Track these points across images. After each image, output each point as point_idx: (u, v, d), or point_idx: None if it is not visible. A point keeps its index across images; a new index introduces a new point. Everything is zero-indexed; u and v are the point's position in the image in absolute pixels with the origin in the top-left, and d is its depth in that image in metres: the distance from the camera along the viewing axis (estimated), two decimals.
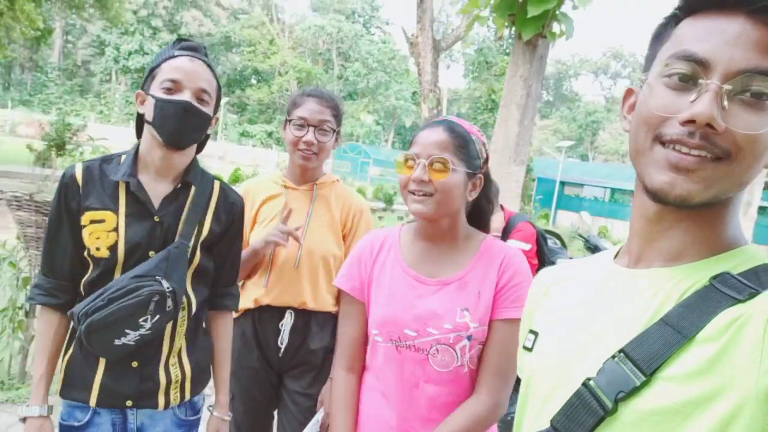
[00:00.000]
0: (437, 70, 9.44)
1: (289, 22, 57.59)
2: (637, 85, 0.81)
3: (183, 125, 1.51)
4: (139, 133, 1.63)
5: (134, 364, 1.56)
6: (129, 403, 1.56)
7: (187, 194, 1.61)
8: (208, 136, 1.67)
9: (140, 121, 1.60)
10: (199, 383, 1.68)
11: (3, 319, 3.39)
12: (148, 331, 1.49)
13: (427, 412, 1.38)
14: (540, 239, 3.68)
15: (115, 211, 1.53)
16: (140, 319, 1.47)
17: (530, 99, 5.14)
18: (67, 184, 1.55)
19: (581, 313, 0.83)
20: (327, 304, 2.06)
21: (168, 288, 1.49)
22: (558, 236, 3.92)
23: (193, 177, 1.62)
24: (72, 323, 1.55)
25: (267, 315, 2.04)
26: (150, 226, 1.55)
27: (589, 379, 0.72)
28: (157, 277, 1.49)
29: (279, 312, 2.03)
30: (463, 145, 1.40)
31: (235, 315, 1.98)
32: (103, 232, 1.52)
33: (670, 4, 0.79)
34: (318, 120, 1.97)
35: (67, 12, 21.16)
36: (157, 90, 1.50)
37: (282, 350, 2.03)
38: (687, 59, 0.70)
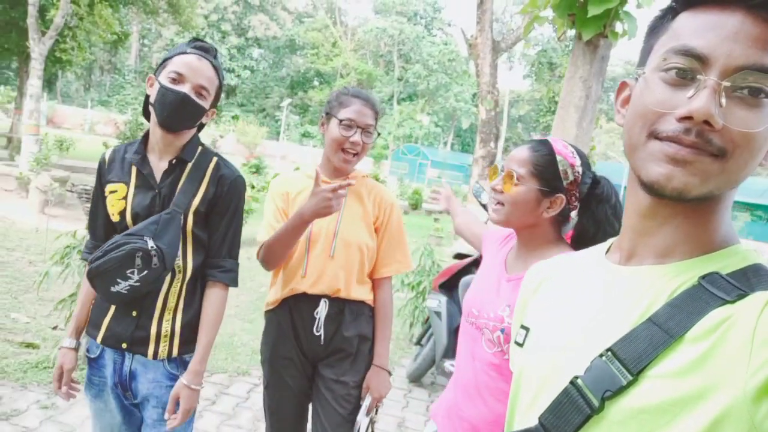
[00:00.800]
0: (496, 71, 9.32)
1: (352, 24, 58.38)
2: (633, 79, 0.79)
3: (177, 113, 1.73)
4: (146, 114, 1.87)
5: (134, 313, 1.80)
6: (124, 345, 1.80)
7: (184, 168, 1.83)
8: (203, 124, 1.89)
9: (146, 107, 1.85)
10: (186, 343, 1.83)
11: (72, 304, 3.62)
12: (137, 283, 1.71)
13: (473, 383, 1.58)
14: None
15: (127, 183, 1.81)
16: (127, 271, 1.69)
17: (589, 101, 5.00)
18: (100, 164, 1.88)
19: (571, 310, 0.82)
20: (360, 293, 2.11)
21: (152, 246, 1.70)
22: None
23: (187, 154, 1.83)
24: None
25: (303, 304, 2.08)
26: (152, 195, 1.80)
27: (576, 377, 0.72)
28: (145, 237, 1.71)
29: (314, 300, 2.07)
30: (542, 164, 1.52)
31: (271, 306, 2.15)
32: (116, 200, 1.80)
33: None
34: (365, 123, 2.03)
35: (142, 17, 22.30)
36: (164, 78, 1.72)
37: (321, 338, 2.07)
38: (685, 54, 0.69)
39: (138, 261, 1.69)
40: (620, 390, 0.67)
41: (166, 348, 1.81)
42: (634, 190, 0.78)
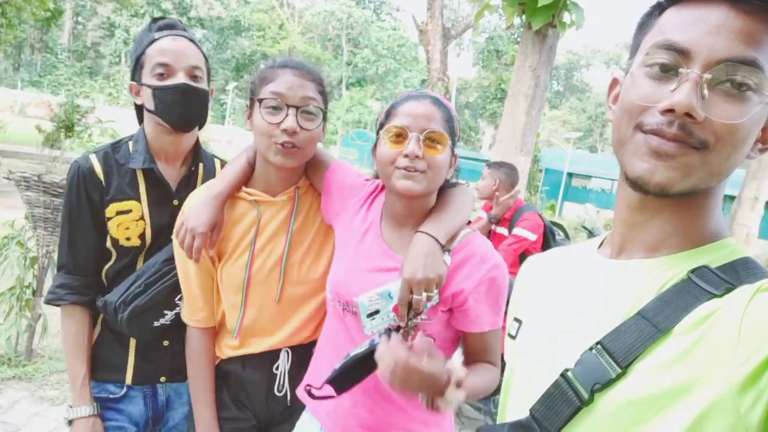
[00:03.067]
0: (446, 58, 9.39)
1: (299, 6, 57.21)
2: (622, 75, 0.81)
3: (186, 108, 1.52)
4: (140, 119, 1.65)
5: (165, 342, 1.64)
6: (163, 378, 1.67)
7: (197, 174, 1.66)
8: (208, 109, 1.62)
9: (140, 109, 1.61)
10: None
11: (11, 297, 3.44)
12: (178, 309, 1.58)
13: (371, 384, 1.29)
14: (548, 232, 3.68)
15: (138, 199, 1.57)
16: (176, 299, 1.56)
17: (538, 89, 5.12)
18: (85, 175, 1.53)
19: (563, 303, 0.84)
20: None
21: None
22: (562, 227, 3.92)
23: (201, 156, 1.67)
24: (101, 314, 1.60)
25: (254, 361, 1.57)
26: (171, 210, 1.60)
27: (567, 369, 0.73)
28: None
29: (269, 355, 1.56)
30: (448, 120, 1.34)
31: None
32: (131, 222, 1.55)
33: None
34: (300, 97, 1.40)
35: None
36: (149, 78, 1.51)
37: (288, 397, 1.57)
38: (668, 48, 0.70)
39: None
40: (609, 382, 0.68)
41: None
42: (623, 185, 0.79)
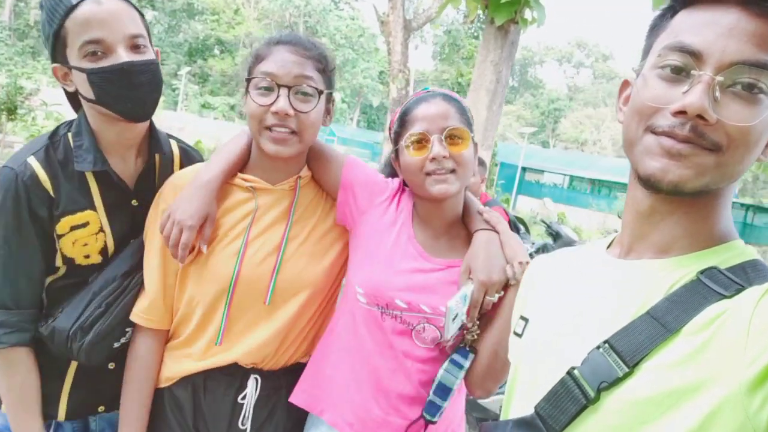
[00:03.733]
0: (407, 50, 9.40)
1: None
2: (633, 77, 0.82)
3: (138, 92, 1.23)
4: (75, 107, 1.35)
5: (111, 365, 1.38)
6: (101, 408, 1.41)
7: (154, 165, 1.41)
8: (162, 82, 1.35)
9: (74, 96, 1.31)
10: None
11: None
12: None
13: (405, 386, 1.32)
14: (512, 228, 3.74)
15: (93, 207, 1.30)
16: None
17: (500, 84, 5.19)
18: (27, 186, 1.21)
19: (571, 302, 0.84)
20: (303, 351, 1.46)
21: None
22: (522, 221, 4.00)
23: (159, 143, 1.40)
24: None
25: (217, 383, 1.36)
26: (131, 213, 1.37)
27: (573, 368, 0.74)
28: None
29: (237, 377, 1.36)
30: (463, 113, 1.33)
31: (160, 384, 1.39)
32: (90, 236, 1.29)
33: None
34: (294, 76, 1.26)
35: None
36: (79, 59, 1.19)
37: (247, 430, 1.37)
38: (680, 50, 0.71)
39: None
40: (616, 381, 0.68)
41: None
42: (633, 186, 0.80)
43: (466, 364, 1.28)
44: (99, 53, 1.19)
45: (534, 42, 69.89)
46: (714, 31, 0.69)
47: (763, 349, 0.59)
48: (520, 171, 25.58)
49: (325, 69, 1.35)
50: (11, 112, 12.47)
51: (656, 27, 0.80)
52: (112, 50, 1.19)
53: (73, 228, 1.27)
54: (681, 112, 0.69)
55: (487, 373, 1.27)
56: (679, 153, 0.70)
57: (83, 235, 1.28)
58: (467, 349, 1.30)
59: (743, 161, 0.71)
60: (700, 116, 0.68)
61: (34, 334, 1.30)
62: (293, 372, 1.43)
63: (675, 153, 0.70)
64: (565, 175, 30.67)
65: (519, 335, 0.92)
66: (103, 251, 1.32)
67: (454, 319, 1.24)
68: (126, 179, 1.35)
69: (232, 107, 46.18)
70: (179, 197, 1.31)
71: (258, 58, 1.31)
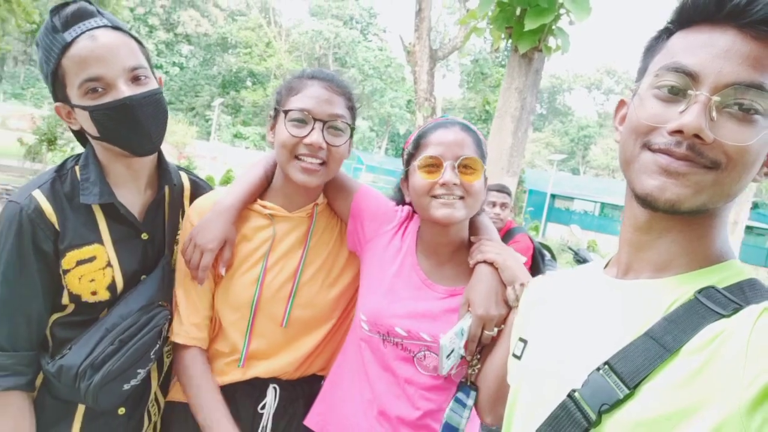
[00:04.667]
0: (433, 78, 9.51)
1: (287, 25, 57.63)
2: (629, 97, 0.82)
3: (142, 126, 1.19)
4: (82, 141, 1.34)
5: (121, 411, 1.31)
6: None
7: (164, 197, 1.38)
8: (167, 110, 1.33)
9: (79, 132, 1.30)
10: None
11: None
12: (150, 365, 1.30)
13: (407, 411, 1.32)
14: (537, 255, 3.68)
15: (100, 241, 1.25)
16: (152, 353, 1.28)
17: (524, 111, 5.19)
18: (32, 220, 1.17)
19: (569, 324, 0.83)
20: (324, 362, 1.52)
21: (168, 312, 1.33)
22: (549, 249, 3.94)
23: (169, 174, 1.37)
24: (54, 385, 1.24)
25: (238, 394, 1.42)
26: (141, 246, 1.32)
27: (574, 390, 0.73)
28: (161, 304, 1.30)
29: (257, 388, 1.42)
30: (479, 144, 1.35)
31: (180, 398, 1.42)
32: (97, 271, 1.23)
33: (664, 23, 0.81)
34: (328, 113, 1.33)
35: None
36: (80, 97, 1.16)
37: None
38: (677, 71, 0.71)
39: (162, 336, 1.30)
40: (617, 403, 0.67)
41: (152, 429, 1.42)
42: (630, 204, 0.80)
43: (469, 402, 1.27)
44: (99, 90, 1.15)
45: (562, 70, 69.94)
46: (710, 53, 0.69)
47: (762, 370, 0.59)
48: (549, 198, 25.33)
49: (353, 106, 1.42)
50: (51, 142, 13.01)
51: (652, 48, 0.80)
52: (113, 85, 1.16)
53: (79, 263, 1.21)
54: (678, 132, 0.69)
55: (495, 400, 1.24)
56: (677, 171, 0.70)
57: (90, 270, 1.22)
58: (469, 386, 1.29)
59: (740, 180, 0.71)
60: (696, 136, 0.68)
61: (31, 378, 1.23)
62: (310, 382, 1.49)
63: (672, 171, 0.70)
64: (595, 202, 30.26)
65: (518, 357, 0.91)
66: (111, 287, 1.25)
67: (448, 355, 1.23)
68: (135, 212, 1.31)
69: (263, 137, 47.17)
70: (201, 222, 1.35)
71: (292, 91, 1.37)
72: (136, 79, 1.19)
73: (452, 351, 1.23)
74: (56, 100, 1.22)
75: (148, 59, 1.27)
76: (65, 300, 1.24)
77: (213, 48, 52.48)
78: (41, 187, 1.21)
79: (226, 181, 17.06)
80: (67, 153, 12.93)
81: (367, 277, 1.42)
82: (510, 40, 5.10)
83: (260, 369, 1.41)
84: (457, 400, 1.27)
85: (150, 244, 1.34)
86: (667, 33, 0.78)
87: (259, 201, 1.44)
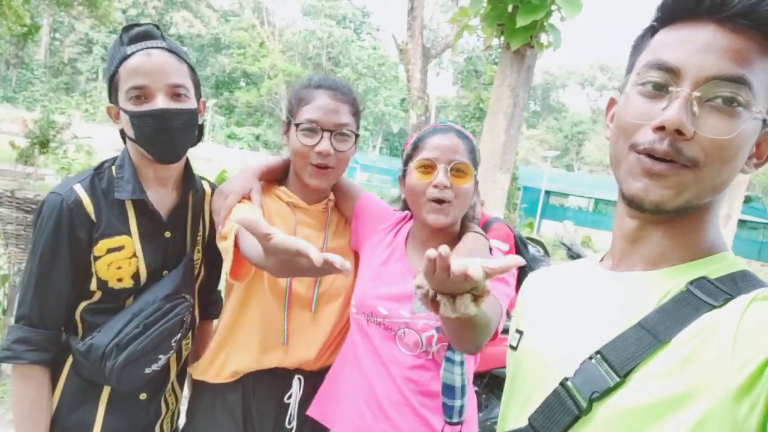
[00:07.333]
0: (426, 77, 9.51)
1: (280, 25, 57.54)
2: (619, 95, 0.83)
3: (168, 136, 1.33)
4: (124, 140, 1.46)
5: (142, 396, 1.42)
6: None
7: (188, 204, 1.50)
8: (202, 127, 1.48)
9: (122, 133, 1.44)
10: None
11: None
12: (171, 353, 1.41)
13: (391, 389, 1.37)
14: (519, 243, 3.70)
15: (129, 233, 1.37)
16: (173, 341, 1.39)
17: (517, 108, 5.19)
18: (71, 210, 1.30)
19: (564, 314, 0.85)
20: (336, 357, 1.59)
21: (192, 305, 1.44)
22: (541, 244, 3.96)
23: (193, 181, 1.50)
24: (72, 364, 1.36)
25: (267, 383, 1.50)
26: (163, 243, 1.43)
27: (566, 379, 0.74)
28: (186, 296, 1.41)
29: (284, 378, 1.51)
30: (471, 151, 1.44)
31: (215, 379, 1.50)
32: (124, 260, 1.35)
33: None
34: (335, 123, 1.46)
35: (55, 9, 20.94)
36: (126, 101, 1.32)
37: (293, 430, 1.51)
38: (659, 68, 0.72)
39: (184, 326, 1.41)
40: (607, 391, 0.68)
41: (169, 425, 1.52)
42: (621, 200, 0.81)
43: (456, 357, 1.34)
44: (141, 98, 1.30)
45: (555, 66, 70.18)
46: (691, 48, 0.70)
47: (750, 357, 0.60)
48: (543, 195, 25.39)
49: (357, 111, 1.55)
50: (43, 145, 12.95)
51: (638, 46, 0.82)
52: (153, 96, 1.31)
53: (109, 251, 1.34)
54: (660, 128, 0.70)
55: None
56: (658, 174, 0.71)
57: (118, 258, 1.34)
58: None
59: (722, 174, 0.71)
60: (678, 131, 0.69)
61: (53, 356, 1.34)
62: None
63: (654, 173, 0.72)
64: (590, 198, 30.36)
65: (514, 348, 0.92)
66: (135, 276, 1.37)
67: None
68: (161, 210, 1.42)
69: (257, 137, 47.13)
70: (227, 180, 1.50)
71: (302, 102, 1.50)
72: (176, 96, 1.33)
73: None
74: (110, 101, 1.39)
75: (197, 86, 1.43)
76: (93, 286, 1.36)
77: (206, 49, 52.35)
78: (81, 182, 1.36)
79: (221, 181, 16.98)
80: (60, 156, 12.87)
81: (360, 268, 1.54)
82: (502, 37, 5.10)
83: (295, 353, 1.48)
84: (447, 359, 1.36)
85: (172, 242, 1.44)
86: (651, 31, 0.79)
87: (281, 187, 1.58)
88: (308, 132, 1.45)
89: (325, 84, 1.51)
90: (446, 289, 0.75)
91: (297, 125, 1.47)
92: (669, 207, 0.72)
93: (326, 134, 1.45)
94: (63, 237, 1.31)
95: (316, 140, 1.45)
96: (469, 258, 1.21)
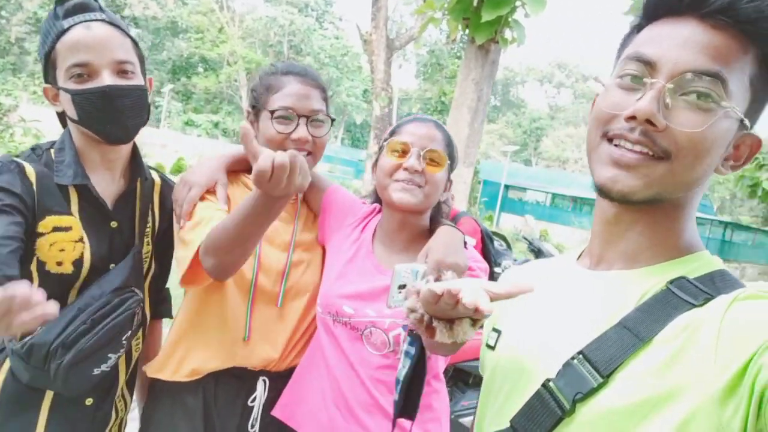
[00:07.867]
0: (390, 68, 9.48)
1: (240, 11, 56.29)
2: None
3: (118, 116, 1.23)
4: (63, 123, 1.36)
5: (88, 401, 1.30)
6: None
7: (135, 189, 1.40)
8: (149, 108, 1.36)
9: (62, 115, 1.33)
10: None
11: None
12: (121, 352, 1.30)
13: (359, 391, 1.34)
14: (485, 238, 3.74)
15: (73, 215, 1.26)
16: (123, 338, 1.28)
17: (481, 102, 5.23)
18: (16, 174, 1.17)
19: (544, 314, 0.84)
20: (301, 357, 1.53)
21: (142, 300, 1.33)
22: (503, 238, 4.00)
23: (141, 168, 1.40)
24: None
25: (229, 387, 1.42)
26: (109, 234, 1.33)
27: (549, 380, 0.73)
28: (135, 290, 1.30)
29: (248, 380, 1.43)
30: (449, 145, 1.44)
31: (175, 377, 1.40)
32: (69, 242, 1.23)
33: (615, 18, 0.83)
34: (310, 109, 1.42)
35: None
36: (66, 80, 1.21)
37: None
38: (637, 60, 0.73)
39: (135, 322, 1.30)
40: (591, 392, 0.68)
41: (117, 427, 1.42)
42: (599, 197, 0.81)
43: (413, 350, 1.23)
44: (84, 76, 1.21)
45: (516, 63, 71.08)
46: (670, 43, 0.72)
47: (733, 357, 0.60)
48: (503, 189, 25.78)
49: (326, 97, 1.52)
50: None
51: (624, 44, 0.83)
52: (97, 74, 1.22)
53: (56, 228, 1.22)
54: (632, 117, 0.71)
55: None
56: (628, 164, 0.72)
57: (63, 240, 1.22)
58: (411, 336, 1.24)
59: (693, 169, 0.72)
60: (649, 121, 0.69)
61: None
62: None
63: (624, 164, 0.72)
64: (547, 192, 31.02)
65: (492, 347, 0.91)
66: (77, 263, 1.24)
67: (400, 287, 1.18)
68: (106, 198, 1.32)
69: (216, 124, 46.12)
70: (191, 168, 1.42)
71: (271, 89, 1.44)
72: (122, 72, 1.25)
73: (404, 287, 1.14)
74: (46, 81, 1.28)
75: (142, 61, 1.33)
76: (32, 266, 1.21)
77: (162, 32, 50.75)
78: (21, 158, 1.24)
79: (178, 169, 16.59)
80: (6, 139, 12.27)
81: (326, 266, 1.50)
82: (467, 31, 5.12)
83: (258, 350, 1.40)
84: (406, 354, 1.25)
85: (118, 233, 1.34)
86: (637, 28, 0.80)
87: (249, 176, 1.47)
88: (283, 120, 1.41)
89: (293, 70, 1.48)
90: (444, 315, 0.74)
91: (272, 112, 1.41)
92: (636, 198, 0.73)
93: (302, 120, 1.42)
94: (8, 192, 1.14)
95: (291, 127, 1.41)
96: (452, 258, 1.22)
